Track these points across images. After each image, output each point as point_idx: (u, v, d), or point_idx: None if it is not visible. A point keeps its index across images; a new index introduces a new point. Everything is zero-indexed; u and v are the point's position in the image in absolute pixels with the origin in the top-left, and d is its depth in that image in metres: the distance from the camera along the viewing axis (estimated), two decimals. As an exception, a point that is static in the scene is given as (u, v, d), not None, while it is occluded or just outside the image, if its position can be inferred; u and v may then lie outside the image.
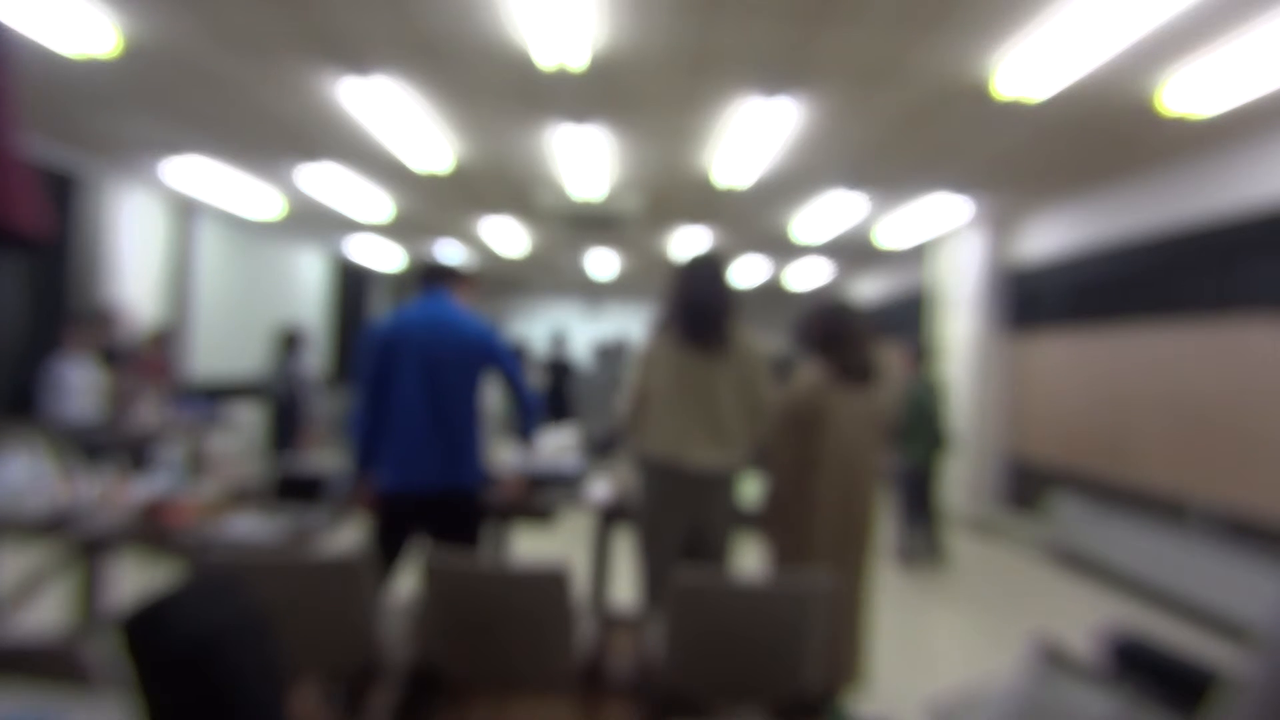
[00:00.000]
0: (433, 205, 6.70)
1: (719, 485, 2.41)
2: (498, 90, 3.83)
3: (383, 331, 2.40)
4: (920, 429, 4.87)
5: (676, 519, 2.39)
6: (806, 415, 2.38)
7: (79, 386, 4.29)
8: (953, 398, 6.31)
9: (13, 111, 1.28)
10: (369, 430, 2.38)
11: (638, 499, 2.48)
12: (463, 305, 2.52)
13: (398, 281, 11.72)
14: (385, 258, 9.83)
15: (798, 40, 3.13)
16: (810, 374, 2.46)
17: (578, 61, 3.35)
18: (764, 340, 2.57)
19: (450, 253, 2.62)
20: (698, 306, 2.41)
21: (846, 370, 2.41)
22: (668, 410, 2.38)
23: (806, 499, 2.39)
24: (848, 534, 2.38)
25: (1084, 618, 3.93)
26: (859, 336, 2.47)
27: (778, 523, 2.49)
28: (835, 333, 2.48)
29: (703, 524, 2.41)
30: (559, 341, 8.32)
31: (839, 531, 2.37)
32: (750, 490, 2.73)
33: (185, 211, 6.74)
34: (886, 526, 4.89)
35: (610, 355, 8.01)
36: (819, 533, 2.36)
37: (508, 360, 2.50)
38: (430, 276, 2.51)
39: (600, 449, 3.55)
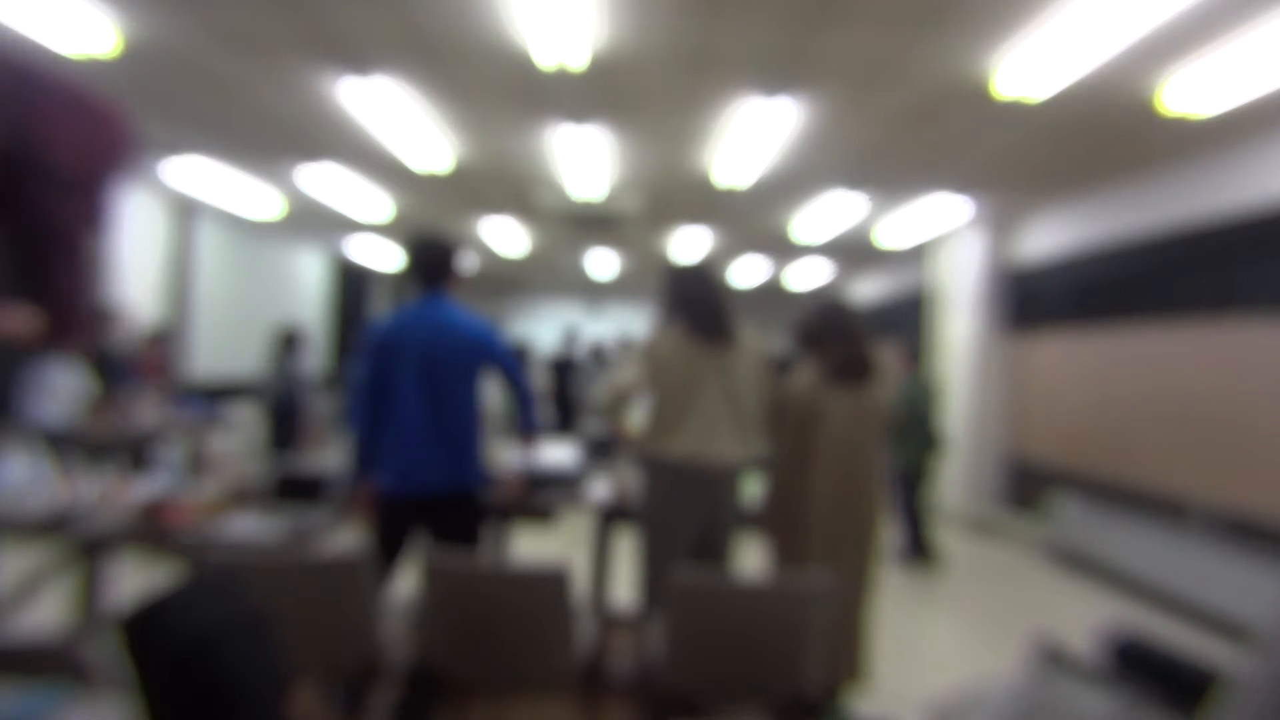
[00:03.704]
0: (433, 205, 6.70)
1: (730, 485, 2.42)
2: (498, 90, 3.83)
3: (381, 334, 2.39)
4: (915, 430, 4.87)
5: (689, 523, 2.39)
6: (800, 413, 2.38)
7: (58, 390, 4.27)
8: (951, 397, 6.33)
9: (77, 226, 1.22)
10: (369, 434, 2.38)
11: (644, 500, 2.46)
12: (460, 305, 2.51)
13: (398, 281, 11.72)
14: (385, 258, 9.84)
15: (798, 40, 3.13)
16: (806, 373, 2.46)
17: (578, 61, 3.35)
18: (763, 339, 2.59)
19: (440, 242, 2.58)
20: (701, 304, 2.46)
21: (841, 368, 2.41)
22: (689, 407, 2.37)
23: (801, 498, 2.39)
24: (848, 533, 2.38)
25: (1084, 618, 3.93)
26: (854, 334, 2.46)
27: (776, 521, 2.49)
28: (829, 331, 2.47)
29: (713, 526, 2.41)
30: (571, 339, 8.34)
31: (837, 530, 2.37)
32: (751, 489, 2.74)
33: (185, 211, 6.74)
34: (888, 527, 4.89)
35: (592, 365, 8.01)
36: (814, 531, 2.36)
37: (506, 358, 2.49)
38: (426, 276, 2.49)
39: (600, 449, 3.54)
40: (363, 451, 2.39)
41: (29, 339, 1.18)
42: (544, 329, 12.60)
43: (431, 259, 2.47)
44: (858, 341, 2.45)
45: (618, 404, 2.41)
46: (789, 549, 2.44)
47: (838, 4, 2.82)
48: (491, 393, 2.99)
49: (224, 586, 1.22)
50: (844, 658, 2.40)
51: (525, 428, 2.67)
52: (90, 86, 1.21)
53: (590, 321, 12.70)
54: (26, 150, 1.11)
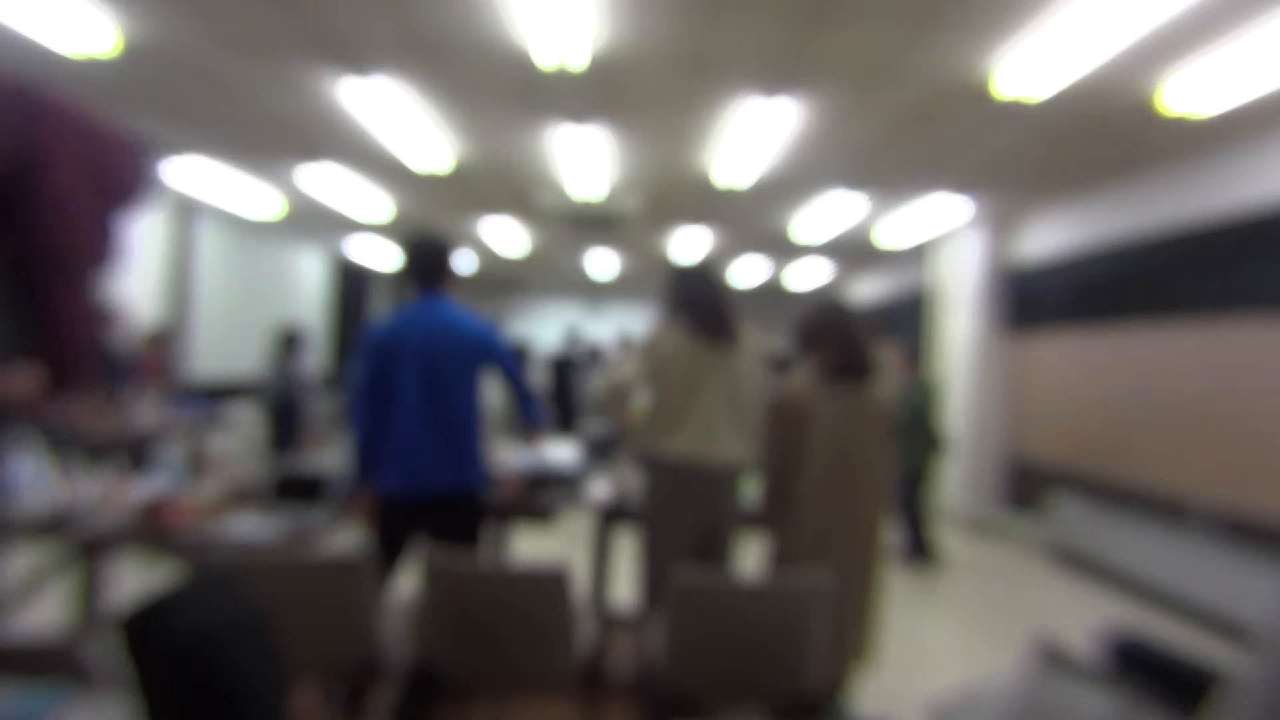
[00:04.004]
0: (433, 205, 6.71)
1: (731, 485, 2.42)
2: (498, 90, 3.83)
3: (380, 335, 2.38)
4: (915, 431, 4.87)
5: (689, 523, 2.38)
6: (792, 414, 2.38)
7: None
8: (951, 398, 6.33)
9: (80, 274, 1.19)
10: (369, 437, 2.37)
11: (645, 500, 2.46)
12: (459, 304, 2.50)
13: (398, 281, 11.71)
14: (385, 258, 9.84)
15: (798, 40, 3.13)
16: (802, 373, 2.45)
17: (578, 61, 3.35)
18: (763, 339, 2.60)
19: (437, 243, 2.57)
20: (704, 304, 2.46)
21: (837, 368, 2.41)
22: (690, 407, 2.37)
23: (795, 497, 2.39)
24: (841, 533, 2.38)
25: (1084, 618, 3.93)
26: (852, 334, 2.46)
27: (771, 521, 2.49)
28: (828, 331, 2.47)
29: (714, 526, 2.41)
30: (574, 340, 8.33)
31: (829, 530, 2.37)
32: (750, 488, 2.73)
33: (185, 211, 6.74)
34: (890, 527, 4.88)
35: (590, 366, 7.99)
36: (805, 531, 2.36)
37: (506, 357, 2.48)
38: (424, 276, 2.48)
39: (600, 449, 3.54)
40: (363, 455, 2.38)
41: (32, 398, 1.17)
42: (544, 329, 12.59)
43: (428, 259, 2.46)
44: (857, 341, 2.44)
45: (615, 399, 2.42)
46: (782, 548, 2.44)
47: (838, 4, 2.82)
48: (492, 392, 2.99)
49: (224, 586, 1.22)
50: (838, 659, 2.40)
51: (529, 424, 2.65)
52: (101, 114, 1.19)
53: (590, 321, 12.70)
54: (27, 171, 1.09)
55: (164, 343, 5.72)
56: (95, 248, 1.20)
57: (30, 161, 1.09)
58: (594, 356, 8.39)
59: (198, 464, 4.86)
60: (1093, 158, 4.59)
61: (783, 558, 2.42)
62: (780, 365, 5.85)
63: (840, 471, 2.37)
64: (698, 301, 2.47)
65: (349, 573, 1.88)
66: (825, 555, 2.32)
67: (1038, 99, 3.57)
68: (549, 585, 1.86)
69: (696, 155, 4.85)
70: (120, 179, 1.23)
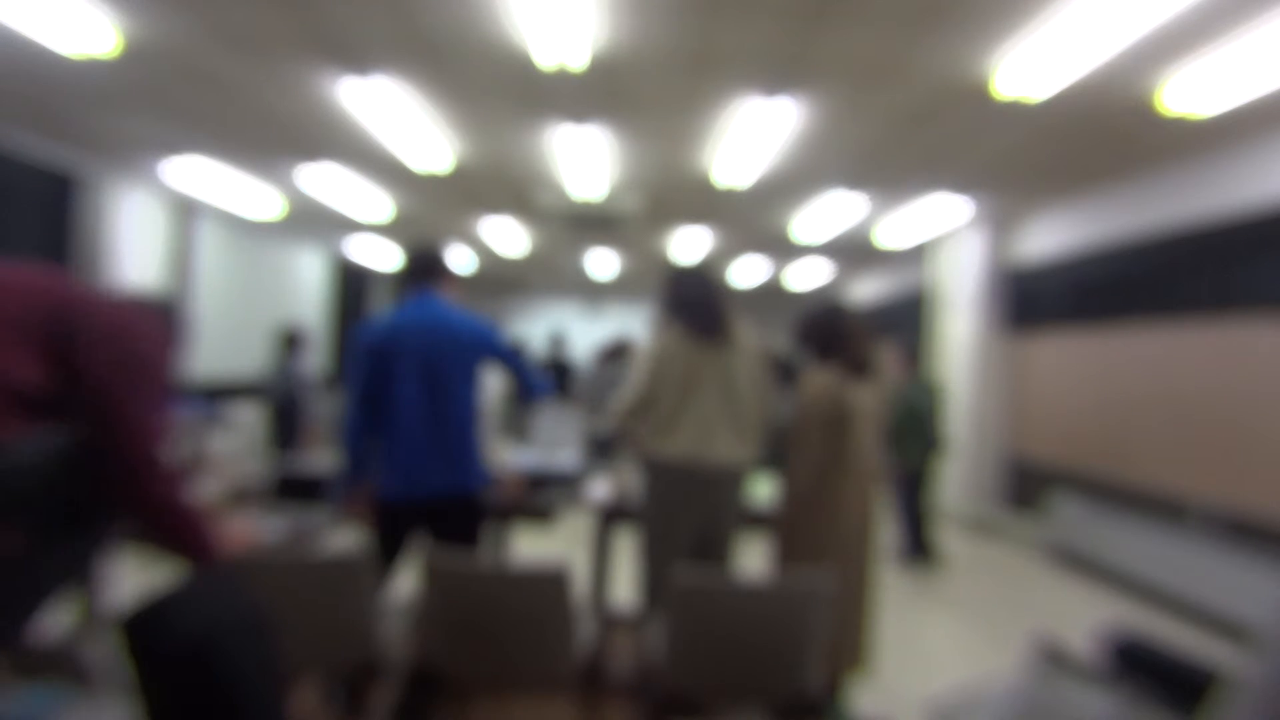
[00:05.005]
0: (433, 205, 6.70)
1: (731, 486, 2.41)
2: (498, 90, 3.83)
3: (376, 337, 2.36)
4: (915, 430, 4.87)
5: (688, 523, 2.38)
6: (834, 415, 2.39)
7: None
8: (951, 398, 6.33)
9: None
10: (361, 438, 2.36)
11: (644, 500, 2.46)
12: (453, 302, 2.49)
13: (397, 281, 11.70)
14: (385, 258, 9.84)
15: (798, 40, 3.13)
16: (823, 375, 2.46)
17: (578, 61, 3.35)
18: (762, 338, 2.60)
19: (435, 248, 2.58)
20: (699, 304, 2.46)
21: (853, 368, 2.44)
22: (686, 408, 2.37)
23: (830, 498, 2.40)
24: (860, 530, 2.41)
25: (1084, 618, 3.92)
26: (859, 335, 2.50)
27: (796, 523, 2.49)
28: (838, 333, 2.50)
29: (714, 527, 2.41)
30: (558, 342, 8.31)
31: (853, 528, 2.40)
32: (761, 490, 2.74)
33: (185, 211, 6.74)
34: (886, 526, 4.89)
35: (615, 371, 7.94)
36: (839, 531, 2.38)
37: (503, 349, 2.48)
38: (416, 275, 2.47)
39: (601, 449, 3.54)
40: (353, 455, 2.37)
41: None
42: (544, 329, 12.59)
43: (420, 259, 2.48)
44: (862, 341, 2.50)
45: (639, 412, 2.41)
46: (806, 550, 2.44)
47: (838, 4, 2.82)
48: (492, 391, 2.98)
49: (224, 586, 1.22)
50: (848, 650, 2.42)
51: (533, 395, 2.62)
52: (121, 301, 1.27)
53: (590, 322, 12.70)
54: (78, 386, 1.15)
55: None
56: (160, 431, 1.26)
57: (78, 374, 1.14)
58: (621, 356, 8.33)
59: (198, 464, 4.85)
60: (1093, 158, 4.59)
61: (812, 556, 2.40)
62: (787, 370, 5.84)
63: (865, 470, 2.42)
64: (692, 301, 2.47)
65: (349, 573, 1.88)
66: (847, 552, 2.35)
67: (1038, 99, 3.56)
68: (549, 585, 1.86)
69: (696, 155, 4.85)
70: (158, 359, 1.30)
